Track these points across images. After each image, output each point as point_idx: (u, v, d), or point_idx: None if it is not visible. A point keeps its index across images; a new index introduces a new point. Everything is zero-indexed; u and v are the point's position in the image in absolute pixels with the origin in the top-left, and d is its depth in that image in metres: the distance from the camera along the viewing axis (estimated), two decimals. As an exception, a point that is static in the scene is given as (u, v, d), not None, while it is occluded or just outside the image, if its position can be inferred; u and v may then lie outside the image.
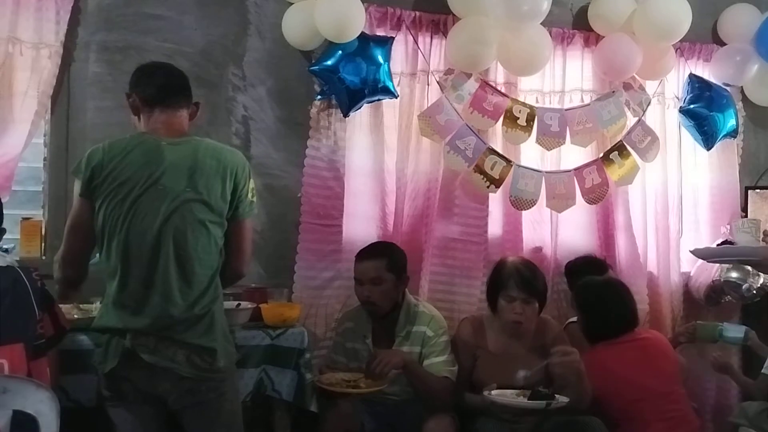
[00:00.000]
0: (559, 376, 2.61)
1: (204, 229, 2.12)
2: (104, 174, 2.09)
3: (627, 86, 3.59)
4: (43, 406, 1.85)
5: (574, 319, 3.26)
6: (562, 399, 2.50)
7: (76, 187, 2.15)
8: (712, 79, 3.76)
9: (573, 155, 3.54)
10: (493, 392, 2.58)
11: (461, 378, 2.84)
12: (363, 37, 3.12)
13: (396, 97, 3.26)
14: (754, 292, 3.50)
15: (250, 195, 2.23)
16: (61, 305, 2.27)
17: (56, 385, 2.17)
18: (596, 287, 2.97)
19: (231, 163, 2.18)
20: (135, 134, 2.22)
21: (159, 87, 2.22)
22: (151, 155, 2.11)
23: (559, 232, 3.53)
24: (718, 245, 2.65)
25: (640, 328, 2.97)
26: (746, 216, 3.78)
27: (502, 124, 3.38)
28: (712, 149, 3.75)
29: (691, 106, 3.67)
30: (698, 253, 2.52)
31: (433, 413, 2.69)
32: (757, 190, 3.84)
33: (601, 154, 3.54)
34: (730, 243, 2.60)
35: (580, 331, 2.95)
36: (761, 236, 2.43)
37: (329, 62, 3.12)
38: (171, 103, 2.21)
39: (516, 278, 2.79)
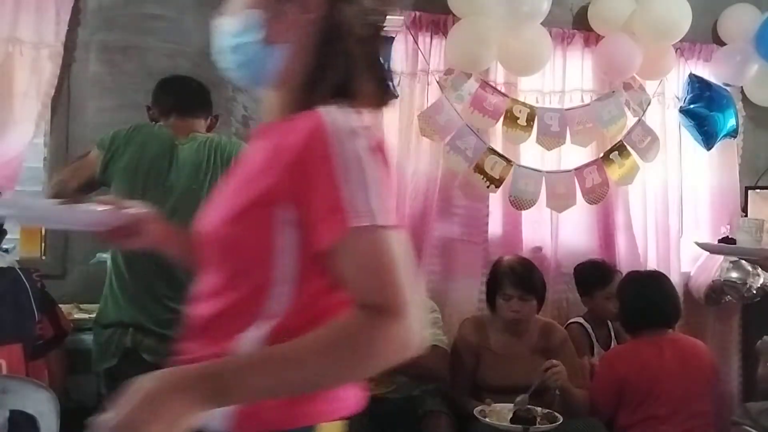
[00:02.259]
0: (558, 388, 2.63)
1: None
2: (118, 158, 2.16)
3: (627, 86, 3.58)
4: (42, 406, 1.85)
5: (575, 319, 3.27)
6: (543, 425, 2.45)
7: (95, 155, 2.24)
8: (712, 79, 3.75)
9: (573, 155, 3.54)
10: (493, 405, 2.57)
11: (464, 379, 2.86)
12: (363, 37, 3.11)
13: (396, 97, 3.25)
14: (754, 292, 3.50)
15: None
16: (61, 305, 2.28)
17: (61, 386, 2.17)
18: (639, 280, 2.96)
19: (234, 154, 2.20)
20: (157, 126, 2.28)
21: (175, 96, 2.29)
22: (164, 150, 2.16)
23: (559, 232, 3.53)
24: (719, 241, 2.66)
25: (682, 334, 2.95)
26: (746, 216, 3.79)
27: (502, 124, 3.37)
28: (712, 149, 3.75)
29: (691, 106, 3.67)
30: (704, 247, 2.64)
31: (431, 412, 2.69)
32: (757, 190, 3.83)
33: (601, 154, 3.53)
34: (731, 239, 2.63)
35: (619, 323, 2.95)
36: (762, 236, 2.47)
37: (329, 62, 3.11)
38: (185, 110, 2.28)
39: (511, 277, 2.80)
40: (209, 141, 2.20)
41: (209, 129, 2.33)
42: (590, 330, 3.20)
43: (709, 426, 2.76)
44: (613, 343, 3.21)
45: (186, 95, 2.29)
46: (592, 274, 3.26)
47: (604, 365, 2.81)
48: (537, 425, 2.43)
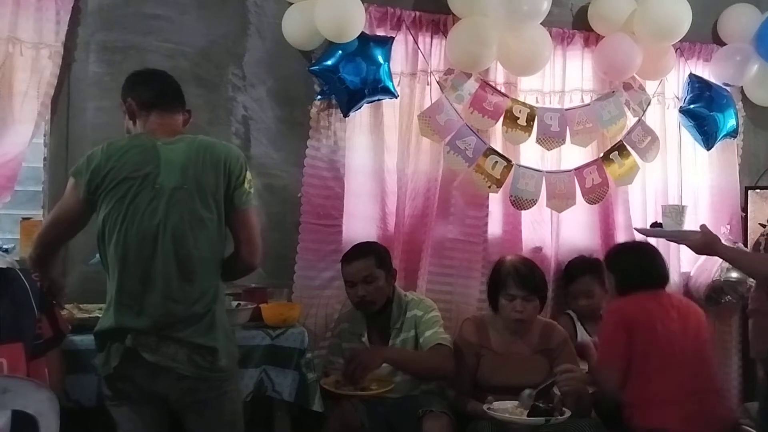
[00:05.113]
0: (566, 393, 2.62)
1: (203, 227, 2.12)
2: (103, 174, 2.11)
3: (627, 86, 3.59)
4: (43, 406, 1.85)
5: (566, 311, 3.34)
6: (560, 416, 2.47)
7: (71, 184, 2.17)
8: (712, 79, 3.75)
9: (573, 155, 3.54)
10: (494, 404, 2.58)
11: (465, 378, 2.86)
12: (363, 37, 3.12)
13: (396, 97, 3.26)
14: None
15: (246, 185, 2.20)
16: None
17: (61, 387, 2.17)
18: (628, 248, 3.00)
19: (224, 156, 2.18)
20: (132, 135, 2.25)
21: (157, 91, 2.25)
22: (147, 155, 2.12)
23: (559, 232, 3.53)
24: (651, 225, 2.92)
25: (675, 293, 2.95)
26: (745, 215, 3.79)
27: (502, 124, 3.38)
28: (712, 149, 3.75)
29: (691, 106, 3.67)
30: (640, 231, 2.98)
31: (431, 412, 2.70)
32: (757, 190, 3.84)
33: (601, 154, 3.54)
34: (659, 224, 2.78)
35: (613, 291, 2.90)
36: (683, 220, 2.68)
37: (329, 62, 3.12)
38: (168, 107, 2.24)
39: (515, 277, 2.81)
40: (197, 142, 2.19)
41: (185, 124, 2.32)
42: (575, 320, 3.30)
43: (717, 401, 2.72)
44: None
45: (166, 91, 2.26)
46: (581, 266, 3.36)
47: (612, 312, 2.78)
48: (556, 417, 2.46)
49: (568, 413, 2.49)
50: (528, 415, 2.48)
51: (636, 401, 2.64)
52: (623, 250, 3.01)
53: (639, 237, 3.23)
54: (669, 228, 2.67)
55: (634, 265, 2.84)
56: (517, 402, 2.58)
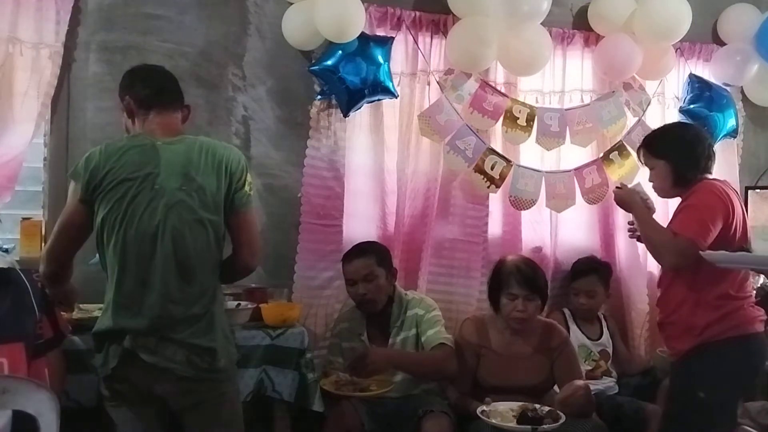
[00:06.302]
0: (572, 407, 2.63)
1: (202, 228, 2.11)
2: (101, 175, 2.09)
3: (627, 86, 3.59)
4: (43, 406, 1.85)
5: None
6: (550, 426, 2.45)
7: (72, 188, 2.16)
8: (712, 79, 3.75)
9: (573, 155, 3.54)
10: (489, 406, 2.58)
11: (465, 378, 2.87)
12: (363, 37, 3.12)
13: (396, 97, 3.26)
14: (754, 291, 3.50)
15: (246, 187, 2.19)
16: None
17: (61, 387, 2.16)
18: (679, 128, 2.79)
19: (225, 158, 2.17)
20: (131, 135, 2.23)
21: (156, 89, 2.22)
22: (146, 155, 2.11)
23: (558, 232, 3.53)
24: (732, 251, 2.31)
25: None
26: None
27: (502, 124, 3.38)
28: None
29: (691, 106, 3.67)
30: (711, 258, 2.16)
31: (431, 412, 2.70)
32: (757, 190, 3.83)
33: (601, 154, 3.54)
34: (746, 250, 2.39)
35: (670, 180, 2.60)
36: None
37: (329, 62, 3.12)
38: (167, 104, 2.23)
39: (517, 276, 2.81)
40: (198, 143, 2.17)
41: (184, 120, 2.30)
42: (569, 318, 3.32)
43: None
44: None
45: (165, 89, 2.24)
46: (588, 266, 3.37)
47: (711, 191, 2.48)
48: (543, 425, 2.44)
49: (562, 419, 2.48)
50: (517, 422, 2.47)
51: (717, 303, 2.43)
52: (673, 131, 2.70)
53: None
54: (763, 253, 2.23)
55: (695, 144, 2.55)
56: (513, 405, 2.57)
